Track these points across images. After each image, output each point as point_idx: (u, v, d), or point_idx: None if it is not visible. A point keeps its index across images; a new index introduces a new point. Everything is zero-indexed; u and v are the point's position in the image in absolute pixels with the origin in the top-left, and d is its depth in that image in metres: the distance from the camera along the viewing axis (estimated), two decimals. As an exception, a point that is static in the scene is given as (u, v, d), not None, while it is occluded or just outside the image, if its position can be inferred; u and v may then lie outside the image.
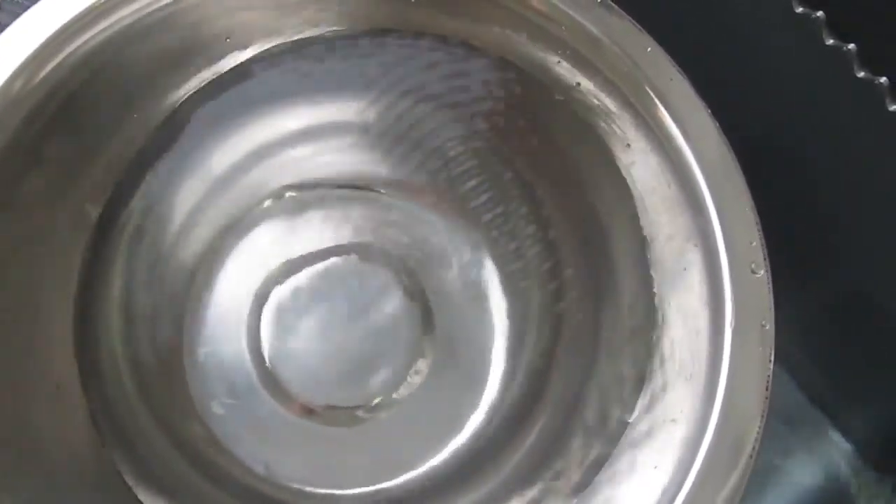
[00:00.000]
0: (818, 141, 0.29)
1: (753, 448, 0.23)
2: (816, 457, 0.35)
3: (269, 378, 0.29)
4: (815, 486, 0.35)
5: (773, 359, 0.24)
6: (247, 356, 0.29)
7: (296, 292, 0.29)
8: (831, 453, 0.35)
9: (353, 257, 0.30)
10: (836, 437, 0.35)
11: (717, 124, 0.25)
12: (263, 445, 0.28)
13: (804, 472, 0.35)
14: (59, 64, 0.24)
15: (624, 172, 0.27)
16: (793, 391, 0.35)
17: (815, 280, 0.33)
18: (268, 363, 0.29)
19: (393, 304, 0.29)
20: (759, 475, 0.35)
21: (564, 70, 0.27)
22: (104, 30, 0.25)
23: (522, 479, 0.27)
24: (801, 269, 0.33)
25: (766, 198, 0.32)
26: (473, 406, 0.29)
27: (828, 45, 0.26)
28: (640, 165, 0.27)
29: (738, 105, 0.30)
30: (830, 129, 0.28)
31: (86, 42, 0.25)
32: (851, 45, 0.26)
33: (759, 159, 0.31)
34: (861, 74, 0.26)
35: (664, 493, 0.23)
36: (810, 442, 0.35)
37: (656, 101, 0.25)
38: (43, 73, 0.24)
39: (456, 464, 0.28)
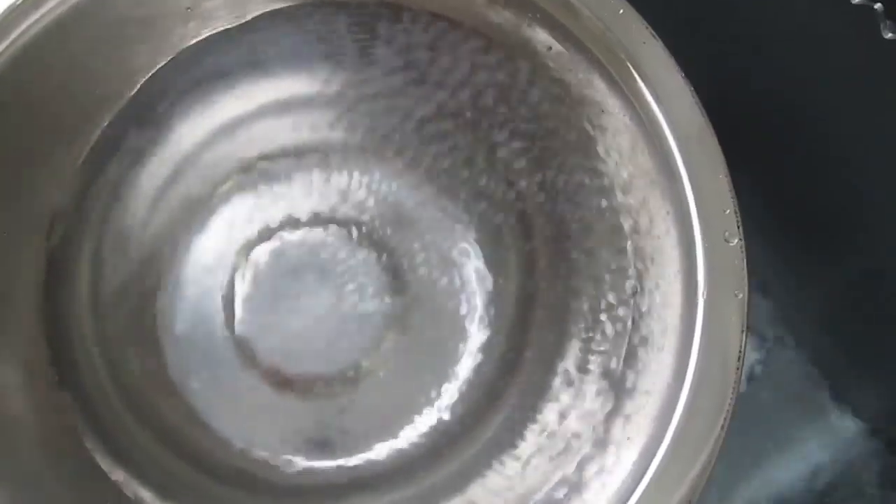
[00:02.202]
0: (842, 106, 0.28)
1: (725, 420, 0.23)
2: (827, 433, 0.35)
3: (245, 351, 0.28)
4: (825, 463, 0.35)
5: (746, 329, 0.23)
6: (223, 329, 0.28)
7: (269, 263, 0.29)
8: (842, 430, 0.35)
9: (326, 227, 0.29)
10: (846, 413, 0.35)
11: (692, 88, 0.24)
12: (241, 419, 0.28)
13: (814, 449, 0.35)
14: (11, 44, 0.24)
15: (597, 138, 0.26)
16: (804, 367, 0.35)
17: (832, 257, 0.33)
18: (243, 336, 0.28)
19: (367, 274, 0.29)
20: (770, 451, 0.35)
21: (535, 33, 0.26)
22: (54, 8, 0.24)
23: (498, 449, 0.27)
24: (817, 246, 0.33)
25: (781, 169, 0.31)
26: (449, 376, 0.29)
27: (854, 5, 0.25)
28: (613, 131, 0.26)
29: (759, 68, 0.30)
30: (854, 92, 0.27)
31: (37, 21, 0.24)
32: (878, 5, 0.25)
33: (777, 126, 0.30)
34: (888, 35, 0.25)
35: (635, 465, 0.23)
36: (821, 418, 0.35)
37: (629, 65, 0.25)
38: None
39: (433, 434, 0.28)
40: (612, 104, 0.26)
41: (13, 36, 0.24)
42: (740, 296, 0.23)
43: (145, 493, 0.26)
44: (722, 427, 0.23)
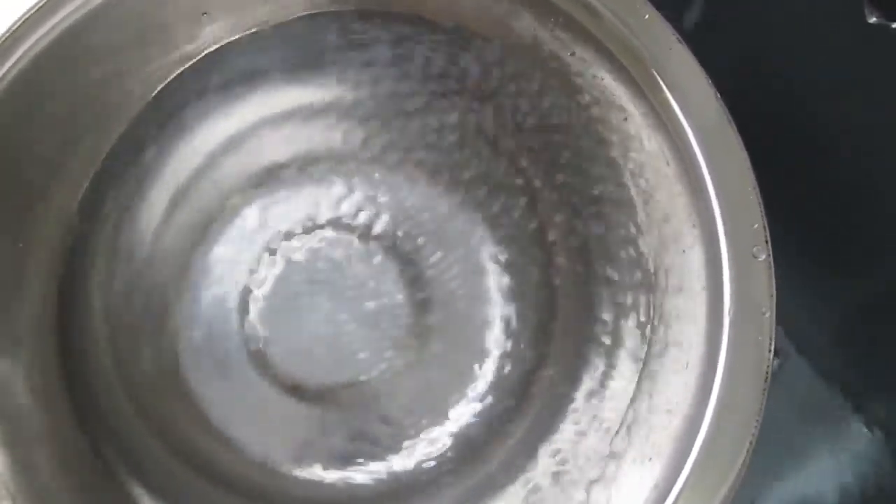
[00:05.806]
0: (860, 121, 0.28)
1: (751, 443, 0.22)
2: (843, 445, 0.34)
3: (262, 359, 0.28)
4: (842, 475, 0.34)
5: (772, 349, 0.22)
6: (238, 338, 0.28)
7: (288, 271, 0.28)
8: (858, 441, 0.34)
9: (346, 235, 0.29)
10: (862, 425, 0.34)
11: (720, 97, 0.24)
12: (257, 429, 0.28)
13: (831, 461, 0.34)
14: (30, 49, 0.24)
15: (620, 147, 0.26)
16: (819, 379, 0.35)
17: (847, 269, 0.32)
18: (260, 344, 0.28)
19: (385, 283, 0.28)
20: (787, 465, 0.34)
21: (558, 38, 0.25)
22: (67, 17, 0.24)
23: (514, 468, 0.27)
24: (833, 258, 0.32)
25: (799, 185, 0.31)
26: (469, 388, 0.28)
27: (871, 24, 0.24)
28: (637, 140, 0.25)
29: (777, 87, 0.29)
30: (874, 107, 0.27)
31: (51, 30, 0.24)
32: None
33: (792, 138, 0.29)
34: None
35: (656, 486, 0.23)
36: (837, 430, 0.34)
37: (654, 72, 0.24)
38: (5, 67, 0.23)
39: (450, 449, 0.28)
40: (637, 112, 0.25)
41: (31, 41, 0.24)
42: (767, 314, 0.22)
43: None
44: (748, 450, 0.22)
